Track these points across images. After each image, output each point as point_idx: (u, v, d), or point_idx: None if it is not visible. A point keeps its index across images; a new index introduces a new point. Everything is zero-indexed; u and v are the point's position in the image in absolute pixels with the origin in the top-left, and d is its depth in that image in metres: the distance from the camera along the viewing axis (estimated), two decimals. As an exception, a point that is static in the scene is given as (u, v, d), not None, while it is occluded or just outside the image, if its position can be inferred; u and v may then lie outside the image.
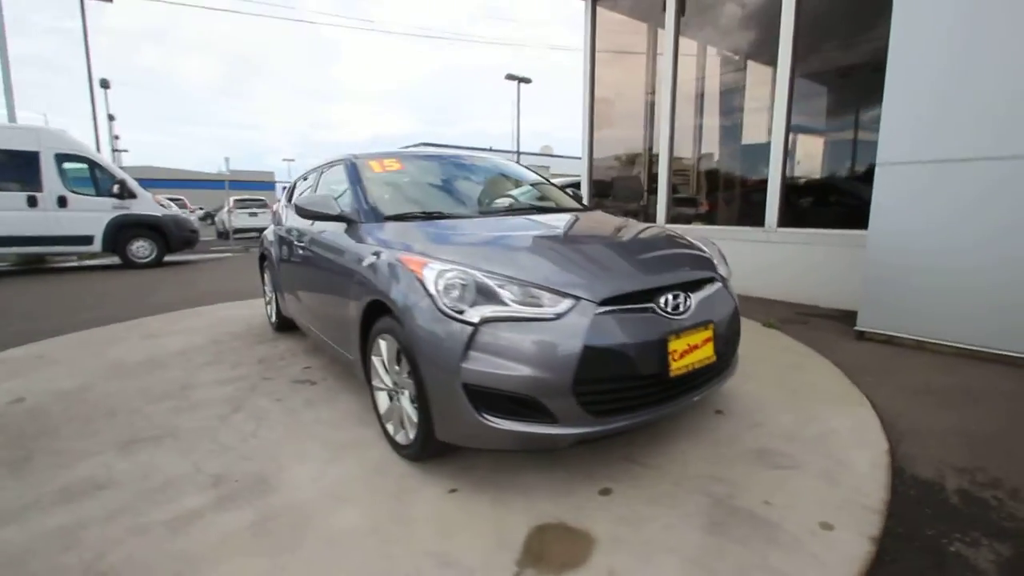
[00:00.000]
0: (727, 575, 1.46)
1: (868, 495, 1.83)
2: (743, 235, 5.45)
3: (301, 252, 3.28)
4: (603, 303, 1.81)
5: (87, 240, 8.67)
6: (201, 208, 27.50)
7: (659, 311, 1.90)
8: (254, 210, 18.24)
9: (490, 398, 1.75)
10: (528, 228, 2.52)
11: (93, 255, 9.46)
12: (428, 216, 2.59)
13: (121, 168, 10.90)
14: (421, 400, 1.90)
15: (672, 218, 6.49)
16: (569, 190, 3.51)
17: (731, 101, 6.65)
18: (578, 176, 7.98)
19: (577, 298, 1.80)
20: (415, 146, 17.42)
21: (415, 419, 2.01)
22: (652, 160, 7.15)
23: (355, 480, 2.01)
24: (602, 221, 2.82)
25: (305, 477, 2.04)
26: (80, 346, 4.01)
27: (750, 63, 6.49)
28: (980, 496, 1.82)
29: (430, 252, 2.05)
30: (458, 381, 1.74)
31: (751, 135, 6.52)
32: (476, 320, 1.74)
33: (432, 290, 1.84)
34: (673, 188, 6.51)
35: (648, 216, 6.78)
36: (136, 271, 8.83)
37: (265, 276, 4.51)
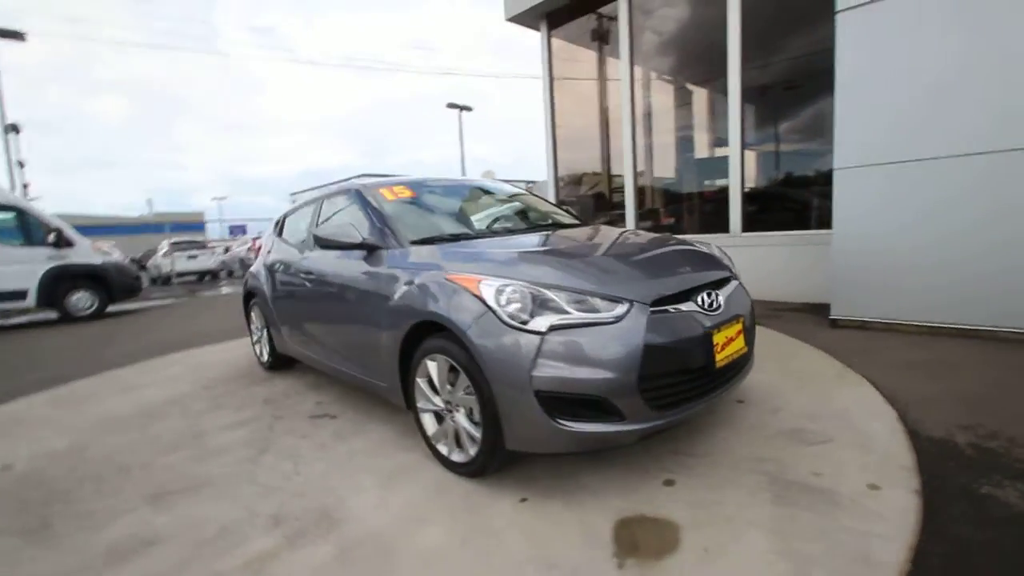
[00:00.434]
0: (811, 538, 1.60)
1: (898, 456, 2.04)
2: (711, 241, 5.83)
3: (308, 285, 3.22)
4: (653, 304, 1.95)
5: (19, 295, 7.92)
6: (131, 257, 25.74)
7: (700, 308, 2.06)
8: (194, 252, 17.40)
9: (561, 403, 1.82)
10: (555, 242, 2.64)
11: (25, 311, 8.64)
12: (455, 238, 2.66)
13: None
14: (487, 413, 1.94)
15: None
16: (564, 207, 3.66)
17: (685, 121, 7.19)
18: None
19: (631, 301, 1.92)
20: (356, 177, 17.28)
21: (476, 435, 2.04)
22: (611, 178, 7.56)
23: (421, 502, 2.01)
24: (615, 232, 2.98)
25: (368, 506, 2.01)
26: (52, 405, 3.68)
27: (699, 89, 7.08)
28: (988, 447, 2.08)
29: (475, 270, 2.12)
30: (530, 389, 1.81)
31: (702, 151, 7.12)
32: (544, 329, 1.82)
33: (493, 304, 1.90)
34: (639, 203, 6.88)
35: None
36: (79, 324, 8.14)
37: (252, 315, 4.35)
